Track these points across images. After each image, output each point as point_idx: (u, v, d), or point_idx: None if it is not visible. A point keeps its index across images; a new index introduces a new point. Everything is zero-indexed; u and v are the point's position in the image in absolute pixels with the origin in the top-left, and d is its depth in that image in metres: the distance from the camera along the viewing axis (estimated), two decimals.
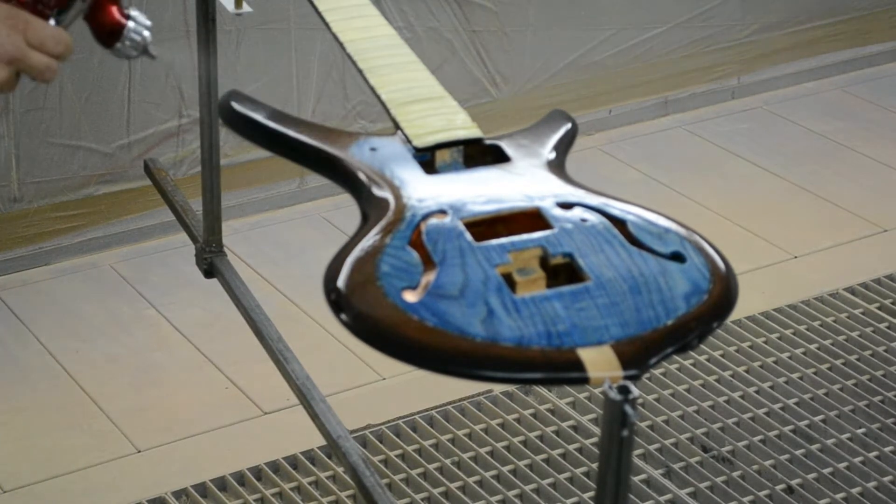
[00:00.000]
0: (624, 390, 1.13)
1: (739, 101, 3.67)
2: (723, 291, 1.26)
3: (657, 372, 2.61)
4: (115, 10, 1.36)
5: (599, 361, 1.17)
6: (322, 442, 2.15)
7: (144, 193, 2.90)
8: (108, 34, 1.36)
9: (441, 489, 2.34)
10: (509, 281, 1.25)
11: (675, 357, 2.59)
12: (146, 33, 1.38)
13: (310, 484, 2.34)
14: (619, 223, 1.33)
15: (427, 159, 1.45)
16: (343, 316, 1.23)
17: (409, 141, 1.46)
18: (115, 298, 2.82)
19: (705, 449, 2.44)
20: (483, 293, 1.22)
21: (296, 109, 3.09)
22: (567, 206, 1.36)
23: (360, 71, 1.57)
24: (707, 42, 3.58)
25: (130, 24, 1.37)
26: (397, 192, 1.39)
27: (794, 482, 2.37)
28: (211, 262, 2.16)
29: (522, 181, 1.41)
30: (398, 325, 1.20)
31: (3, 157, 2.83)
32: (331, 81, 3.12)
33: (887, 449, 2.46)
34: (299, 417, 2.07)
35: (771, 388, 2.60)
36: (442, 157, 1.46)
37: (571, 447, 2.43)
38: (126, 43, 1.37)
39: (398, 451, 2.41)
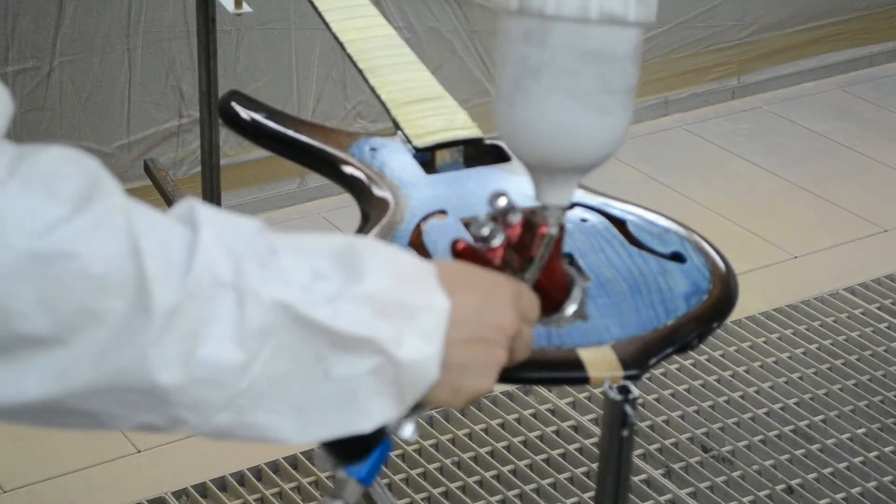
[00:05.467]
0: (624, 390, 1.13)
1: (739, 101, 3.67)
2: (723, 291, 1.26)
3: (657, 372, 2.61)
4: (561, 264, 1.10)
5: (599, 361, 1.17)
6: None
7: (144, 193, 2.90)
8: (557, 295, 1.09)
9: (441, 489, 2.34)
10: None
11: (675, 357, 2.59)
12: (586, 289, 1.12)
13: (310, 484, 2.34)
14: (619, 223, 1.33)
15: (427, 159, 1.45)
16: None
17: (409, 141, 1.46)
18: None
19: (705, 449, 2.44)
20: None
21: (296, 109, 3.09)
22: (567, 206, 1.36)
23: (360, 71, 1.57)
24: (707, 42, 3.58)
25: (578, 285, 1.12)
26: (397, 192, 1.39)
27: (794, 482, 2.37)
28: None
29: (522, 181, 1.41)
30: None
31: None
32: (331, 81, 3.12)
33: (887, 449, 2.46)
34: None
35: (771, 388, 2.59)
36: (442, 156, 1.46)
37: (571, 447, 2.43)
38: (570, 302, 1.10)
39: (398, 451, 2.41)
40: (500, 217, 1.02)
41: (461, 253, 1.01)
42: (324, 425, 0.86)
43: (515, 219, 1.02)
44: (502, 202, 1.02)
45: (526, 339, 0.96)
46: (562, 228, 1.04)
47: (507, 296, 0.94)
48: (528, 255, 1.02)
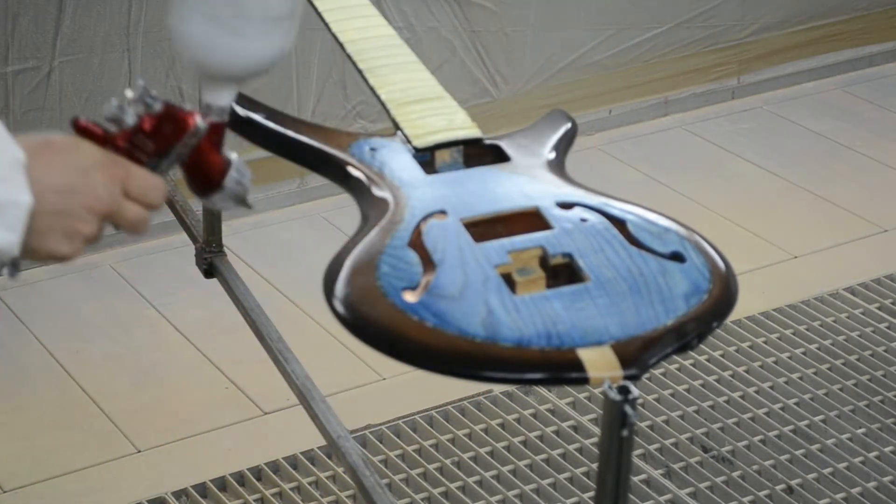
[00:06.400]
0: (624, 390, 1.13)
1: (739, 101, 3.67)
2: (723, 291, 1.26)
3: (657, 372, 2.61)
4: (218, 155, 1.19)
5: (599, 361, 1.17)
6: (322, 442, 2.15)
7: None
8: (209, 182, 1.19)
9: (441, 489, 2.34)
10: (509, 281, 1.25)
11: (675, 357, 2.59)
12: (247, 180, 1.21)
13: (310, 484, 2.34)
14: (618, 223, 1.33)
15: (427, 159, 1.45)
16: (343, 316, 1.23)
17: (409, 141, 1.46)
18: (115, 298, 2.82)
19: (705, 449, 2.44)
20: (483, 293, 1.22)
21: (296, 109, 3.08)
22: (567, 206, 1.36)
23: (360, 71, 1.57)
24: (707, 42, 3.58)
25: (233, 172, 1.20)
26: (397, 193, 1.39)
27: (794, 482, 2.37)
28: (211, 262, 2.16)
29: (522, 181, 1.41)
30: (398, 325, 1.20)
31: None
32: (331, 81, 3.12)
33: (887, 449, 2.46)
34: (299, 417, 2.07)
35: (771, 388, 2.59)
36: (442, 157, 1.46)
37: (571, 447, 2.43)
38: (225, 192, 1.19)
39: (398, 451, 2.41)
40: (140, 102, 1.11)
41: (80, 130, 1.11)
42: None
43: (156, 107, 1.11)
44: (130, 93, 1.12)
45: (132, 215, 1.11)
46: (220, 125, 1.18)
47: (107, 177, 1.09)
48: (168, 143, 1.12)
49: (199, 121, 1.13)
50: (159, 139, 1.12)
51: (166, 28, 2.89)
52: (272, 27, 1.16)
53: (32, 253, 1.07)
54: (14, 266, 1.07)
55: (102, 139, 1.11)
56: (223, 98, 1.19)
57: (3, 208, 1.03)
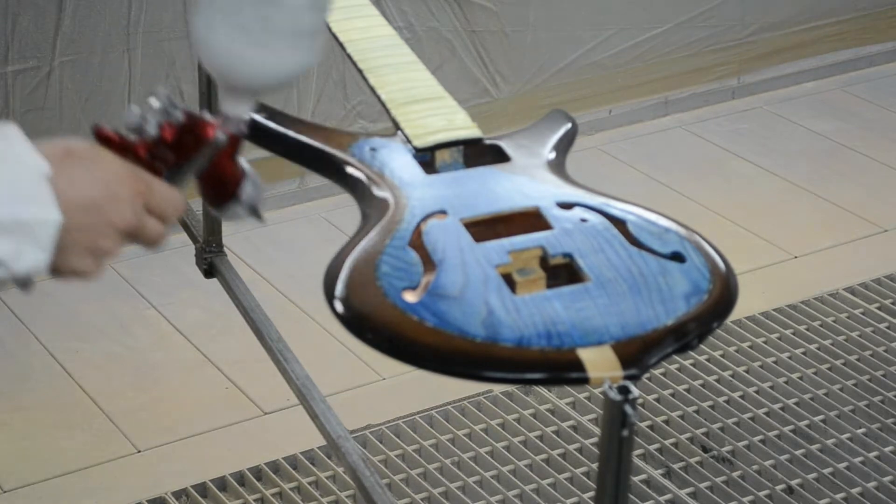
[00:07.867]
0: (624, 390, 1.13)
1: (739, 101, 3.67)
2: (723, 291, 1.26)
3: (657, 372, 2.61)
4: (234, 166, 1.15)
5: (599, 361, 1.17)
6: (322, 442, 2.15)
7: None
8: (224, 193, 1.15)
9: (441, 489, 2.34)
10: (509, 281, 1.25)
11: (675, 357, 2.59)
12: (260, 191, 1.17)
13: (310, 484, 2.34)
14: (619, 223, 1.33)
15: (427, 159, 1.45)
16: (343, 316, 1.23)
17: (409, 141, 1.46)
18: (115, 298, 2.82)
19: (705, 449, 2.44)
20: (483, 293, 1.22)
21: (296, 109, 3.08)
22: (567, 206, 1.36)
23: (360, 71, 1.57)
24: (707, 42, 3.58)
25: (248, 184, 1.16)
26: (397, 193, 1.39)
27: (794, 482, 2.37)
28: (211, 262, 2.16)
29: (522, 181, 1.41)
30: (398, 326, 1.20)
31: None
32: (331, 81, 3.12)
33: (887, 449, 2.46)
34: (299, 417, 2.07)
35: (771, 388, 2.59)
36: (442, 157, 1.46)
37: (571, 447, 2.43)
38: (240, 203, 1.16)
39: (398, 451, 2.41)
40: (163, 112, 1.09)
41: (102, 140, 1.07)
42: None
43: (177, 116, 1.09)
44: (155, 102, 1.09)
45: (152, 231, 1.08)
46: (238, 137, 1.13)
47: (127, 194, 1.05)
48: (188, 154, 1.09)
49: (219, 133, 1.11)
50: (180, 150, 1.09)
51: (167, 28, 2.89)
52: (299, 42, 1.12)
53: (55, 270, 1.05)
54: (28, 281, 1.04)
55: (123, 148, 1.07)
56: (243, 109, 1.14)
57: (33, 227, 1.01)
